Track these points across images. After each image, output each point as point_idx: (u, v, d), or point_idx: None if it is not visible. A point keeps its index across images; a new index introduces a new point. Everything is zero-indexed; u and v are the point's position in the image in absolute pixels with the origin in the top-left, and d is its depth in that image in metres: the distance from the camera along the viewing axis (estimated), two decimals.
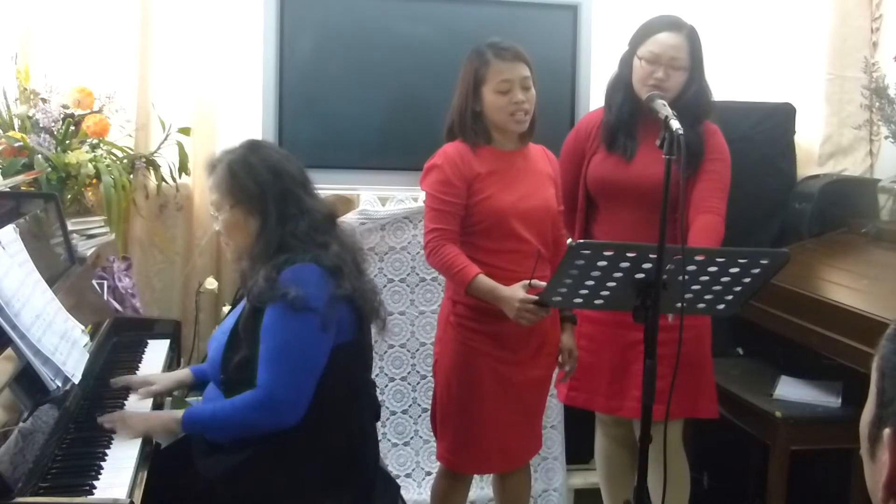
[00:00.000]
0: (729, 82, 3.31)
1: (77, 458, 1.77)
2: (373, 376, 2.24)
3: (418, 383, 3.02)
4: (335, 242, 2.02)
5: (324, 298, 1.92)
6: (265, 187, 2.00)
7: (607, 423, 2.75)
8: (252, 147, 2.08)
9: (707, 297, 2.10)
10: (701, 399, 2.60)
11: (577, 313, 2.64)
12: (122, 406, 2.06)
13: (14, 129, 2.76)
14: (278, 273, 1.92)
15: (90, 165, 2.71)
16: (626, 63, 2.58)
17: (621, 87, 2.58)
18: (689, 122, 2.48)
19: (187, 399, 2.50)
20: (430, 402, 2.83)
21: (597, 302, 2.11)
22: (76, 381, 1.91)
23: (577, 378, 2.60)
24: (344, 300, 1.98)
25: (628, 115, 2.56)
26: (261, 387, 1.92)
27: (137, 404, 2.10)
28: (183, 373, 2.29)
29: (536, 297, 2.23)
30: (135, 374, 2.26)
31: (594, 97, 3.08)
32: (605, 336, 2.57)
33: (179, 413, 1.99)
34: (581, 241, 2.08)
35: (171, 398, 2.42)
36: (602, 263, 1.96)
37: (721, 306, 2.14)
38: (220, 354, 2.03)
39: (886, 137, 3.37)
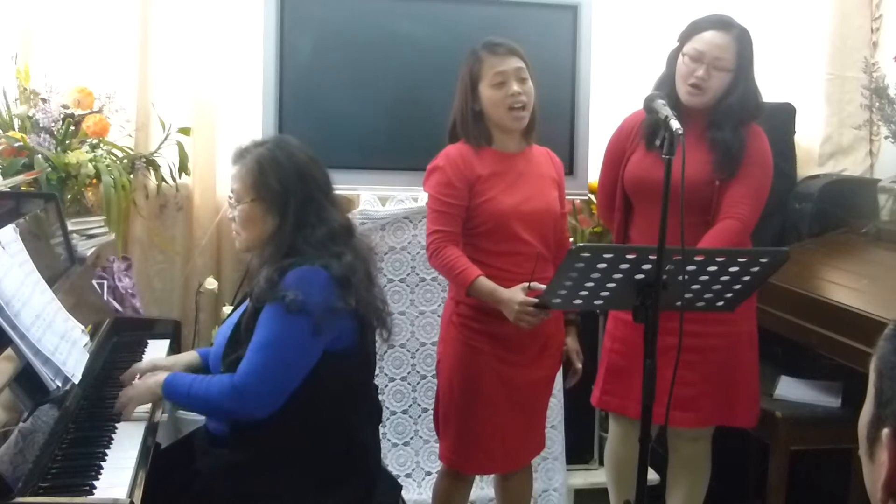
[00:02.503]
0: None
1: (77, 458, 1.77)
2: (374, 374, 2.24)
3: (418, 383, 3.02)
4: (349, 252, 2.00)
5: (322, 305, 1.91)
6: (289, 189, 1.99)
7: (630, 425, 2.65)
8: (282, 145, 2.06)
9: (707, 295, 2.10)
10: (738, 407, 2.57)
11: (613, 317, 2.63)
12: None
13: (14, 129, 2.76)
14: (281, 275, 1.92)
15: (90, 165, 2.71)
16: (673, 60, 2.52)
17: (666, 84, 2.51)
18: (732, 125, 2.45)
19: None
20: (430, 402, 2.83)
21: (596, 302, 2.11)
22: (76, 381, 1.90)
23: (610, 382, 2.59)
24: (345, 312, 1.97)
25: None
26: (237, 374, 1.93)
27: None
28: (190, 355, 2.28)
29: (536, 300, 2.23)
30: None
31: (594, 97, 3.08)
32: (639, 340, 2.52)
33: (163, 377, 2.01)
34: (581, 244, 2.07)
35: None
36: (602, 265, 1.96)
37: (721, 304, 2.14)
38: (221, 350, 2.05)
39: (886, 137, 3.37)
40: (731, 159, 2.45)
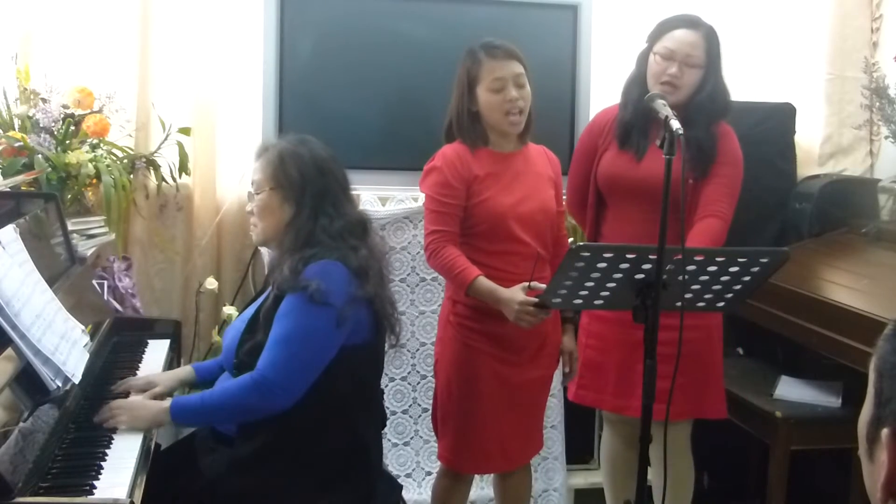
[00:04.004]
0: (729, 82, 3.30)
1: (77, 458, 1.77)
2: (381, 376, 2.25)
3: (418, 383, 3.03)
4: (365, 248, 2.06)
5: (344, 296, 1.95)
6: (307, 180, 2.05)
7: (615, 422, 2.74)
8: (304, 141, 2.13)
9: (707, 296, 2.10)
10: (709, 399, 2.60)
11: (586, 311, 2.64)
12: None
13: (14, 129, 2.76)
14: (304, 265, 1.95)
15: (90, 165, 2.71)
16: (643, 60, 2.57)
17: (638, 84, 2.57)
18: (703, 123, 2.49)
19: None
20: (430, 402, 2.83)
21: (596, 302, 2.11)
22: (76, 381, 1.90)
23: (585, 376, 2.60)
24: (364, 302, 2.00)
25: (642, 114, 2.54)
26: (257, 369, 1.94)
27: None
28: (185, 370, 2.29)
29: (536, 300, 2.23)
30: (135, 374, 2.25)
31: (594, 97, 3.08)
32: (613, 335, 2.57)
33: (168, 403, 2.00)
34: (581, 243, 2.08)
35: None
36: (602, 265, 1.96)
37: (721, 304, 2.14)
38: (236, 340, 2.06)
39: (886, 137, 3.37)
40: (704, 157, 2.49)
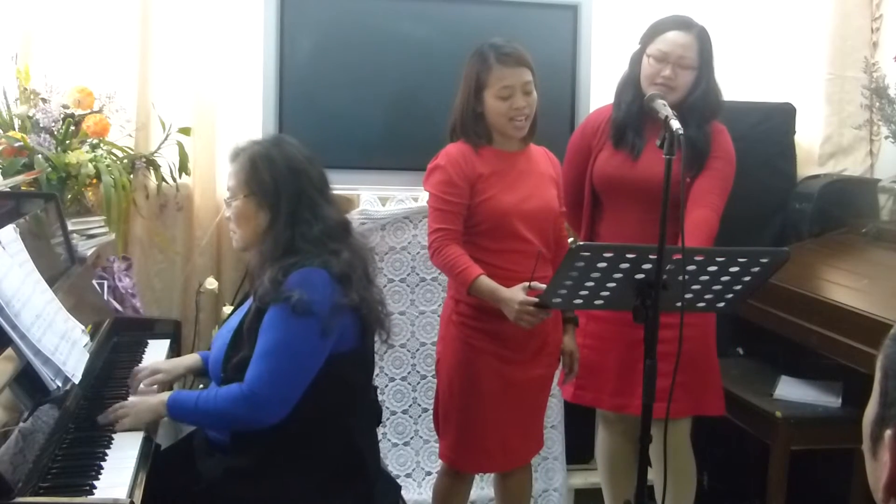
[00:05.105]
0: (729, 82, 3.31)
1: (77, 458, 1.77)
2: (373, 377, 2.24)
3: (418, 383, 3.02)
4: (347, 250, 2.01)
5: (327, 305, 1.91)
6: (281, 184, 1.99)
7: (611, 420, 2.75)
8: (278, 142, 2.08)
9: (707, 296, 2.10)
10: (707, 396, 2.61)
11: (583, 312, 2.65)
12: None
13: (14, 129, 2.76)
14: (285, 276, 1.91)
15: (90, 165, 2.71)
16: (636, 62, 2.58)
17: (631, 85, 2.59)
18: (697, 122, 2.51)
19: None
20: (430, 402, 2.83)
21: (597, 302, 2.11)
22: (76, 381, 1.91)
23: (582, 376, 2.61)
24: (349, 309, 1.97)
25: (637, 114, 2.56)
26: (246, 382, 1.91)
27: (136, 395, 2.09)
28: (191, 358, 2.29)
29: (536, 300, 2.23)
30: None
31: (594, 97, 3.08)
32: (611, 334, 2.57)
33: (167, 396, 2.00)
34: (581, 243, 2.08)
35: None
36: (602, 265, 1.96)
37: (721, 304, 2.14)
38: (222, 353, 2.03)
39: (886, 137, 3.37)
40: (698, 156, 2.50)
